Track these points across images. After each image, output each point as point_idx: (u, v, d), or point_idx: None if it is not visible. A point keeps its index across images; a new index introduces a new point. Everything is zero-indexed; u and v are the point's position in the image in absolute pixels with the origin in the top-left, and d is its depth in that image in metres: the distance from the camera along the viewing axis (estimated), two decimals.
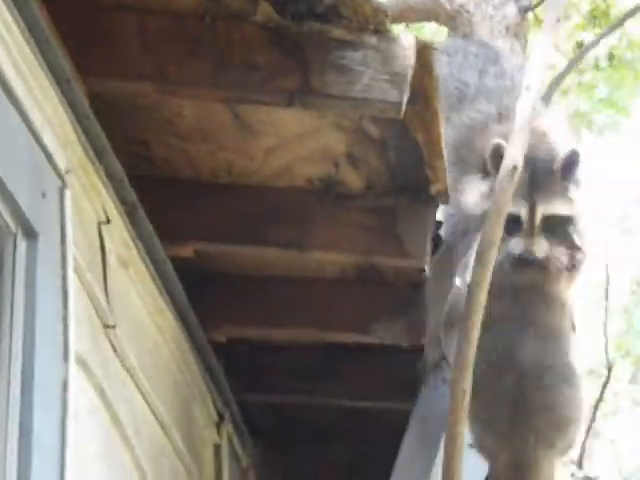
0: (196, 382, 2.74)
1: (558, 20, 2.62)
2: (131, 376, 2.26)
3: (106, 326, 2.14)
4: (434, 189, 2.58)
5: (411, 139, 2.42)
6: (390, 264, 2.75)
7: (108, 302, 2.15)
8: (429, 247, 2.65)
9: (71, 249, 1.91)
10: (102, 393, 2.10)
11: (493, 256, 2.49)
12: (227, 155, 2.50)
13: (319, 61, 2.17)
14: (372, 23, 2.17)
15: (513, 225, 2.77)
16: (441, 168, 2.52)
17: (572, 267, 2.79)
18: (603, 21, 7.64)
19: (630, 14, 3.75)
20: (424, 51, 2.21)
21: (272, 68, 2.18)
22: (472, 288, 2.48)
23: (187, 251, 2.58)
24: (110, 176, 2.15)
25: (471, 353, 2.43)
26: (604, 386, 5.95)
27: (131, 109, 2.31)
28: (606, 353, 6.22)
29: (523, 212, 2.80)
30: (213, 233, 2.60)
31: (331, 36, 2.16)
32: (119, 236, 2.23)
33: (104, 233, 2.16)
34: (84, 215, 2.08)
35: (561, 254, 2.76)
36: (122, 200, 2.21)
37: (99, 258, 2.14)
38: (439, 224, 2.92)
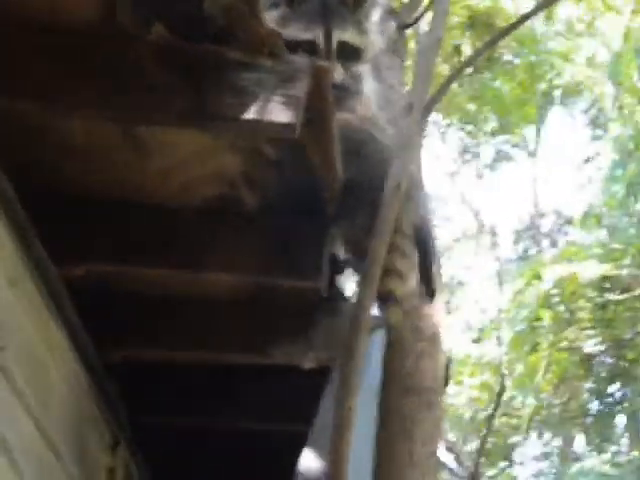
0: (89, 405, 2.70)
1: (439, 39, 2.66)
2: (19, 399, 2.22)
3: None
4: (329, 210, 2.60)
5: (307, 160, 2.44)
6: (286, 284, 2.75)
7: None
8: (325, 268, 2.66)
9: None
10: None
11: (378, 273, 2.52)
12: (122, 175, 2.48)
13: (214, 82, 2.17)
14: (267, 45, 2.18)
15: (310, 52, 2.80)
16: (336, 189, 2.54)
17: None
18: (481, 28, 7.79)
19: (515, 25, 3.82)
20: (320, 73, 2.23)
21: (166, 89, 2.17)
22: (357, 307, 2.50)
23: (80, 270, 2.55)
24: (1, 199, 2.11)
25: (357, 371, 2.44)
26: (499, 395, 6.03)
27: (22, 128, 2.27)
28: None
29: (319, 38, 2.84)
30: (108, 253, 2.57)
31: (226, 58, 2.17)
32: (8, 255, 2.19)
33: None
34: None
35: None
36: (11, 220, 2.17)
37: None
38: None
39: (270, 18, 2.87)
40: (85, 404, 2.67)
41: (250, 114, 2.17)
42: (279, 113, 2.18)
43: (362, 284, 2.52)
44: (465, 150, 11.78)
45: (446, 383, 4.05)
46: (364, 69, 2.94)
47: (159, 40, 2.14)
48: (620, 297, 7.94)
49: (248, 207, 2.58)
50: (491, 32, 7.69)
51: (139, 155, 2.43)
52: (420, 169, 3.02)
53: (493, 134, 10.98)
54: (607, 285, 7.95)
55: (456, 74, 3.42)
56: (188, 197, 2.56)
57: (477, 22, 7.90)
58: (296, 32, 2.84)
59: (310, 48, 2.83)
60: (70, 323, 2.49)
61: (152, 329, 2.82)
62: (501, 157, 11.65)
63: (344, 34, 2.87)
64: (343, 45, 2.87)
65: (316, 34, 2.85)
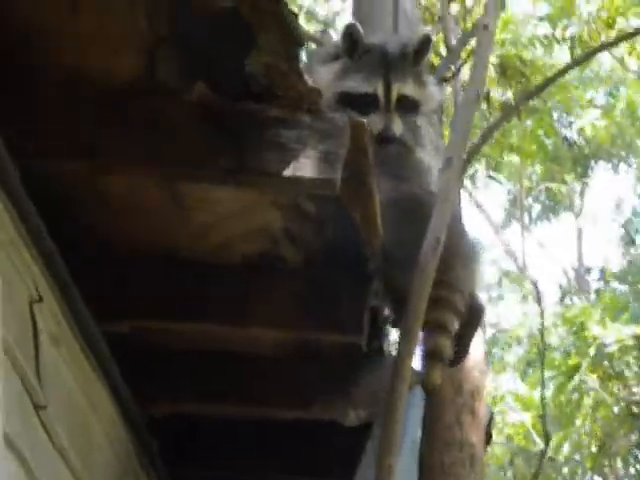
0: (130, 459, 2.70)
1: (479, 94, 2.67)
2: (62, 456, 2.22)
3: (37, 406, 2.11)
4: (370, 265, 2.60)
5: (347, 216, 2.44)
6: (327, 340, 2.75)
7: (39, 382, 2.11)
8: (366, 323, 2.65)
9: (0, 330, 1.88)
10: (31, 474, 2.06)
11: (418, 330, 2.50)
12: (163, 232, 2.50)
13: (254, 139, 2.18)
14: (306, 102, 2.19)
15: (369, 104, 2.82)
16: (377, 244, 2.54)
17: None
18: (511, 74, 7.78)
19: (554, 78, 3.81)
20: (358, 129, 2.24)
21: (207, 146, 2.19)
22: (397, 363, 2.49)
23: (123, 327, 2.56)
24: (42, 253, 2.13)
25: (397, 429, 2.42)
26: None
27: (64, 186, 2.30)
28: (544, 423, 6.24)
29: (380, 90, 2.84)
30: (149, 309, 2.58)
31: (266, 115, 2.18)
32: (51, 314, 2.20)
33: (36, 311, 2.13)
34: (15, 293, 2.05)
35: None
36: (55, 277, 2.19)
37: (30, 337, 2.11)
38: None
39: (331, 70, 2.91)
40: (126, 459, 2.67)
41: (290, 170, 2.18)
42: (319, 169, 2.18)
43: (402, 339, 2.51)
44: (510, 203, 11.73)
45: (489, 438, 4.01)
46: (422, 122, 2.95)
47: (201, 98, 2.16)
48: None
49: (289, 263, 2.59)
50: (522, 81, 7.68)
51: (181, 212, 2.44)
52: (463, 222, 3.00)
53: (538, 186, 10.94)
54: None
55: (493, 128, 3.42)
56: (230, 253, 2.57)
57: (508, 69, 7.90)
58: (357, 84, 2.87)
59: (371, 100, 2.85)
60: (112, 380, 2.50)
61: (193, 384, 2.82)
62: (546, 210, 11.58)
63: (404, 87, 2.88)
64: (403, 98, 2.89)
65: (376, 86, 2.86)
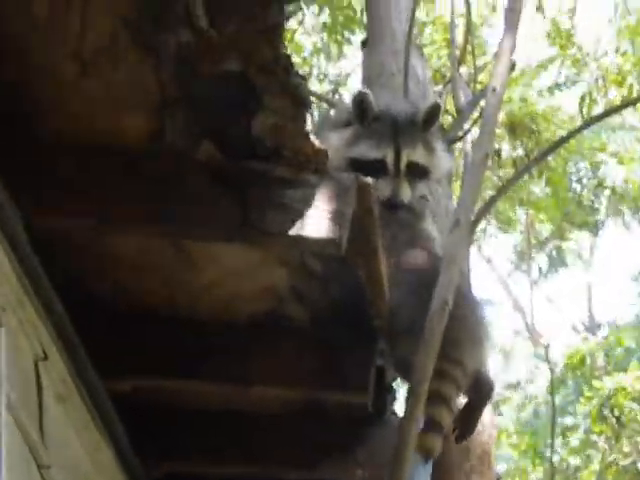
0: None
1: (487, 156, 2.69)
2: None
3: (40, 466, 2.10)
4: (376, 324, 2.60)
5: (353, 275, 2.44)
6: (333, 399, 2.74)
7: (43, 441, 2.11)
8: (371, 381, 2.65)
9: (4, 388, 1.88)
10: None
11: (425, 390, 2.49)
12: (168, 289, 2.50)
13: (260, 198, 2.20)
14: (313, 162, 2.21)
15: (379, 170, 2.86)
16: (382, 303, 2.54)
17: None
18: (519, 131, 7.81)
19: (566, 139, 3.84)
20: (364, 190, 2.25)
21: (214, 205, 2.20)
22: (404, 424, 2.47)
23: (125, 386, 2.56)
24: (48, 312, 2.14)
25: None
26: None
27: (70, 244, 2.31)
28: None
29: (389, 157, 2.89)
30: (153, 367, 2.58)
31: (271, 175, 2.20)
32: (57, 372, 2.20)
33: (41, 370, 2.13)
34: (20, 352, 2.06)
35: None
36: (60, 336, 2.19)
37: (35, 395, 2.11)
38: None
39: (342, 136, 2.95)
40: None
41: (295, 230, 2.19)
42: (324, 229, 2.19)
43: (409, 400, 2.49)
44: (518, 257, 11.72)
45: None
46: (431, 189, 2.98)
47: (208, 158, 2.18)
48: None
49: (295, 321, 2.59)
50: (532, 136, 7.71)
51: (187, 269, 2.45)
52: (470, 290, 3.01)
53: (546, 240, 10.94)
54: None
55: (503, 191, 3.44)
56: (235, 312, 2.57)
57: (517, 126, 7.94)
58: (367, 150, 2.91)
59: (380, 166, 2.89)
60: (118, 441, 2.49)
61: (196, 443, 2.81)
62: (555, 264, 11.57)
63: (413, 154, 2.92)
64: (412, 165, 2.92)
65: (386, 153, 2.91)
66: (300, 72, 2.12)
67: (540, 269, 11.24)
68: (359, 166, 2.80)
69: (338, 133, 2.95)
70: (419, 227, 2.90)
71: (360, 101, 2.95)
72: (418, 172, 2.94)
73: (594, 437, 8.02)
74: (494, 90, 2.75)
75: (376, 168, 2.87)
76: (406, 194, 2.89)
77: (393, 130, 2.93)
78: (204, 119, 2.16)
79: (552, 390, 6.23)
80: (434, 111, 2.99)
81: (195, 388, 2.68)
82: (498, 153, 8.07)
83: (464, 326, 2.72)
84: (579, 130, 3.41)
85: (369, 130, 2.93)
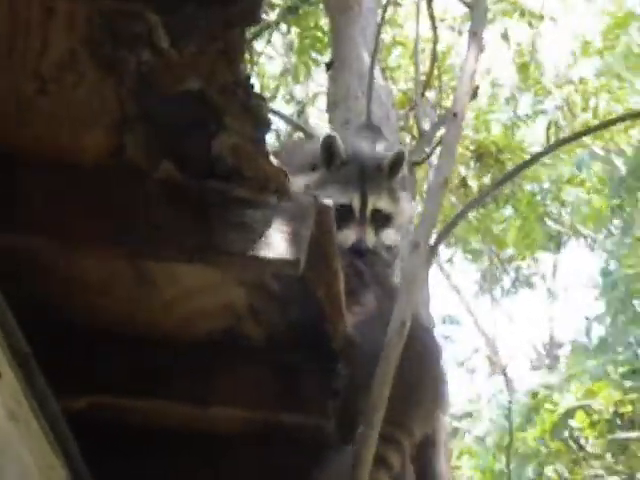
0: None
1: (446, 180, 2.72)
2: None
3: None
4: (334, 345, 2.60)
5: (311, 295, 2.45)
6: (291, 421, 2.73)
7: None
8: (330, 403, 2.64)
9: None
10: None
11: (380, 418, 2.49)
12: (127, 308, 2.49)
13: (220, 218, 2.20)
14: (273, 183, 2.22)
15: (344, 215, 2.91)
16: (341, 324, 2.54)
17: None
18: (488, 160, 7.92)
19: (524, 166, 3.88)
20: (323, 211, 2.26)
21: (173, 225, 2.20)
22: (357, 451, 2.47)
23: (80, 403, 2.54)
24: (3, 328, 2.12)
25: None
26: None
27: (31, 263, 2.30)
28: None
29: (355, 202, 2.95)
30: (110, 385, 2.57)
31: (232, 195, 2.20)
32: (9, 388, 2.18)
33: None
34: None
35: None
36: (15, 354, 2.18)
37: None
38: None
39: (309, 180, 2.98)
40: None
41: (255, 250, 2.20)
42: (283, 249, 2.20)
43: (363, 428, 2.50)
44: (481, 278, 11.81)
45: None
46: (395, 236, 3.03)
47: (167, 177, 2.18)
48: (632, 435, 7.83)
49: (253, 341, 2.58)
50: (498, 165, 7.79)
51: (146, 288, 2.44)
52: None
53: (509, 262, 11.02)
54: (619, 421, 7.85)
55: (461, 215, 3.48)
56: (194, 330, 2.56)
57: (484, 155, 8.03)
58: (334, 195, 2.94)
59: (346, 212, 2.93)
60: (71, 459, 2.47)
61: (154, 465, 2.79)
62: (517, 284, 11.67)
63: (379, 201, 2.98)
64: (376, 212, 2.97)
65: (352, 198, 2.95)
66: (261, 93, 2.13)
67: (502, 289, 11.34)
68: None
69: (304, 176, 2.99)
70: (384, 271, 2.95)
71: (329, 145, 2.99)
72: (382, 219, 3.00)
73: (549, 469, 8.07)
74: (455, 115, 2.77)
75: (341, 213, 2.90)
76: (370, 239, 2.96)
77: (360, 176, 2.99)
78: (164, 138, 2.16)
79: (510, 418, 6.26)
80: (399, 159, 3.06)
81: (151, 407, 2.67)
82: (464, 182, 8.14)
83: (417, 395, 2.75)
84: (540, 156, 3.44)
85: (336, 175, 2.98)
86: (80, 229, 2.16)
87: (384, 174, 3.02)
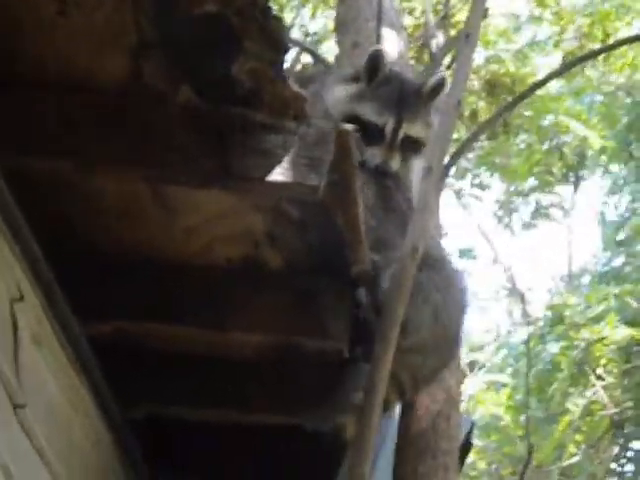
0: (111, 462, 2.70)
1: (459, 103, 2.70)
2: (40, 456, 2.22)
3: (16, 406, 2.11)
4: (354, 270, 2.61)
5: (331, 221, 2.45)
6: (310, 345, 2.75)
7: (18, 380, 2.12)
8: (349, 328, 2.66)
9: None
10: (8, 474, 2.06)
11: (396, 334, 2.51)
12: (147, 233, 2.50)
13: (239, 144, 2.20)
14: (292, 108, 2.21)
15: (375, 134, 2.88)
16: (360, 250, 2.55)
17: None
18: (499, 90, 7.82)
19: (532, 90, 3.83)
20: (343, 136, 2.25)
21: (192, 150, 2.20)
22: (372, 369, 2.49)
23: (106, 328, 2.56)
24: (25, 252, 2.14)
25: (369, 436, 2.42)
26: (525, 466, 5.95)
27: (50, 185, 2.31)
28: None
29: (388, 126, 2.90)
30: (133, 311, 2.59)
31: (251, 120, 2.20)
32: (33, 313, 2.21)
33: (16, 310, 2.13)
34: None
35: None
36: (37, 277, 2.20)
37: (10, 336, 2.11)
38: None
39: (347, 91, 2.95)
40: (107, 461, 2.67)
41: (274, 175, 2.20)
42: (303, 175, 2.20)
43: (378, 347, 2.51)
44: (500, 208, 11.76)
45: (468, 449, 4.00)
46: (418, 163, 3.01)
47: (186, 102, 2.18)
48: None
49: (272, 267, 2.59)
50: (510, 96, 7.72)
51: (165, 214, 2.45)
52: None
53: (528, 193, 10.97)
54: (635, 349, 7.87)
55: (473, 138, 3.45)
56: (213, 256, 2.57)
57: (496, 86, 7.94)
58: (369, 112, 2.92)
59: (377, 131, 2.90)
60: (94, 381, 2.50)
61: (176, 387, 2.82)
62: (536, 215, 11.61)
63: (412, 128, 2.93)
64: (408, 137, 2.94)
65: (386, 120, 2.91)
66: (279, 16, 2.11)
67: (521, 220, 11.28)
68: (356, 124, 2.82)
69: (343, 86, 2.96)
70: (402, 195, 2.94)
71: (375, 58, 2.94)
72: (412, 146, 2.95)
73: (571, 389, 8.11)
74: (467, 36, 2.74)
75: (373, 131, 2.88)
76: (396, 164, 2.92)
77: (398, 98, 2.94)
78: (183, 62, 2.15)
79: (528, 345, 6.27)
80: (440, 85, 3.00)
81: (173, 332, 2.69)
82: (476, 113, 8.08)
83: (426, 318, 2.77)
84: (547, 79, 3.38)
85: (375, 92, 2.94)
86: (97, 150, 2.16)
87: (422, 100, 2.98)
